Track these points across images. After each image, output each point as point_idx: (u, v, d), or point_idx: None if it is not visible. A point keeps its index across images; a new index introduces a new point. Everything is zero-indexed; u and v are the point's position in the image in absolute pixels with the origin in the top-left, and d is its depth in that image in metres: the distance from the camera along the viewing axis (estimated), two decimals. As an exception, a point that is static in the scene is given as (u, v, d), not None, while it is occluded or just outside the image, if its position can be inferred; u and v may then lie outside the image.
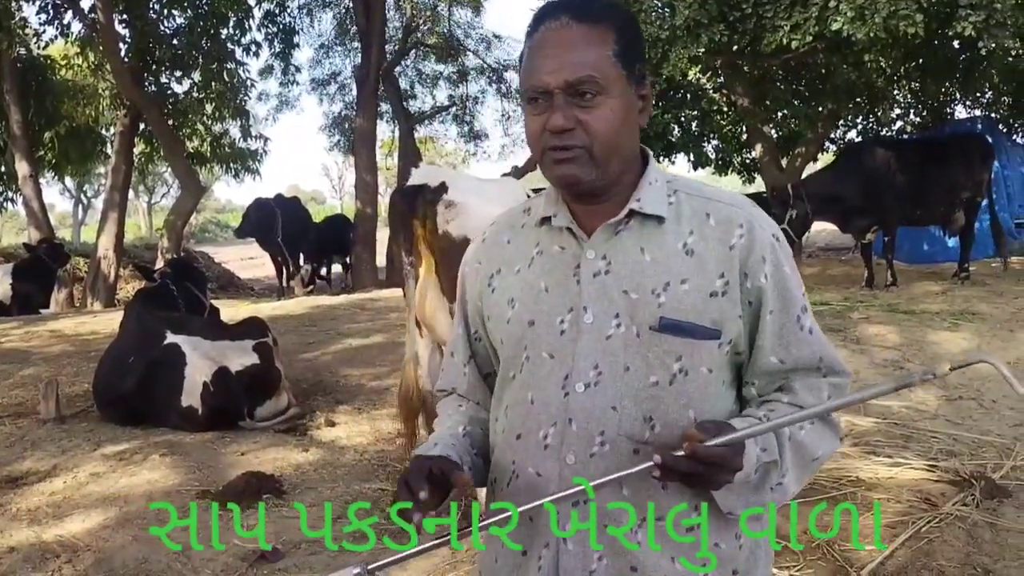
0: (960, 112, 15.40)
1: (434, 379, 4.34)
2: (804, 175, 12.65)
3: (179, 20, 14.21)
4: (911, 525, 3.79)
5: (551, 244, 1.50)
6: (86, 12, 13.39)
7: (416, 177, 4.19)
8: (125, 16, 13.37)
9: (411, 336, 4.26)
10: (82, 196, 42.68)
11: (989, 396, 5.82)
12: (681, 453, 1.24)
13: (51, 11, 13.53)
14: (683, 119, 14.57)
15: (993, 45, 8.04)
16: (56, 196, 55.73)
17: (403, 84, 21.93)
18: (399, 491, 1.37)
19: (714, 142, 16.07)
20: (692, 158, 15.75)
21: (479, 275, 1.59)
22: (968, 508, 3.97)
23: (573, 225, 1.46)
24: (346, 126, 22.30)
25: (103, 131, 16.18)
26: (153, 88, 14.00)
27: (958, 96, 14.99)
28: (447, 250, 3.89)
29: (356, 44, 19.62)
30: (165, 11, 13.90)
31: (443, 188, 3.95)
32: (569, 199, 1.47)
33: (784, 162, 14.12)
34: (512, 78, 22.29)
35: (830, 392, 1.43)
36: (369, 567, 1.34)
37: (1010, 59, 10.75)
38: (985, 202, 10.61)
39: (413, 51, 22.04)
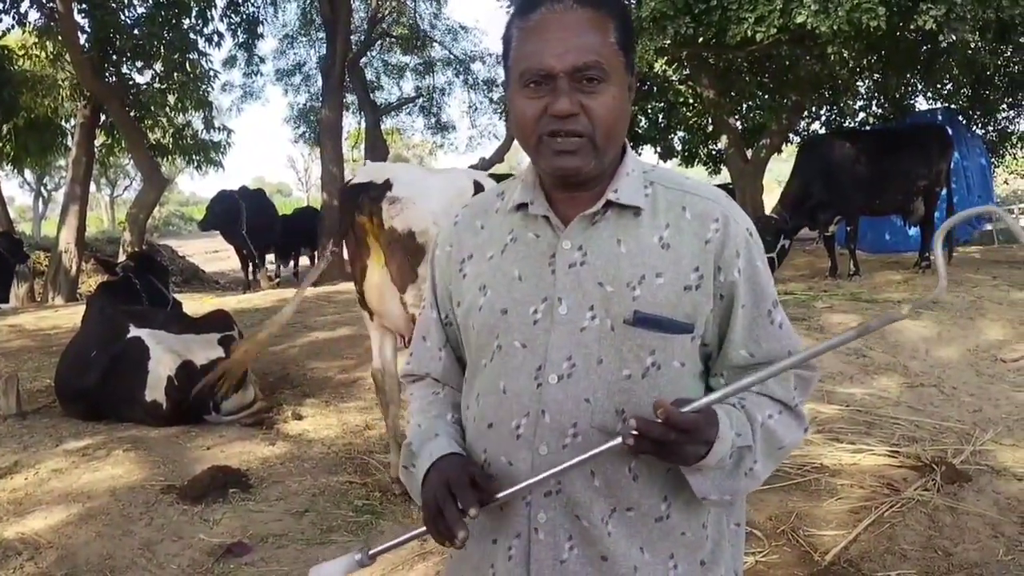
0: (921, 104, 15.61)
1: (384, 362, 4.48)
2: (768, 177, 12.72)
3: (140, 10, 13.96)
4: (874, 510, 3.86)
5: (526, 231, 1.48)
6: (44, 1, 13.12)
7: (361, 175, 4.35)
8: (84, 5, 13.12)
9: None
10: (42, 189, 41.91)
11: (949, 383, 5.93)
12: (655, 420, 1.24)
13: (8, 0, 13.26)
14: (649, 110, 14.65)
15: (953, 38, 8.17)
16: (15, 189, 54.76)
17: (369, 75, 21.81)
18: (444, 504, 1.33)
19: (680, 133, 16.17)
20: (658, 149, 15.83)
21: (450, 259, 1.57)
22: (929, 493, 4.04)
23: (550, 213, 1.45)
24: (311, 118, 22.15)
25: (63, 123, 15.91)
26: (114, 79, 13.75)
27: (919, 88, 15.19)
28: (394, 243, 4.04)
29: (321, 35, 19.46)
30: (125, 1, 13.67)
31: (387, 185, 4.07)
32: (551, 187, 1.46)
33: (749, 153, 14.23)
34: (479, 69, 22.26)
35: (797, 384, 1.44)
36: (370, 552, 1.35)
37: (969, 52, 10.91)
38: (944, 192, 10.77)
39: (379, 42, 21.92)
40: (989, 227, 15.30)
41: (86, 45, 13.01)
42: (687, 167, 17.12)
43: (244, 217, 13.91)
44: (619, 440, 1.26)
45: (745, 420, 1.37)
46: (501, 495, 1.34)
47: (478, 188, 4.21)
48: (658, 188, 1.44)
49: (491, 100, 21.45)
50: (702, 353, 1.44)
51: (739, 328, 1.41)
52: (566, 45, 1.33)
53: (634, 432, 1.23)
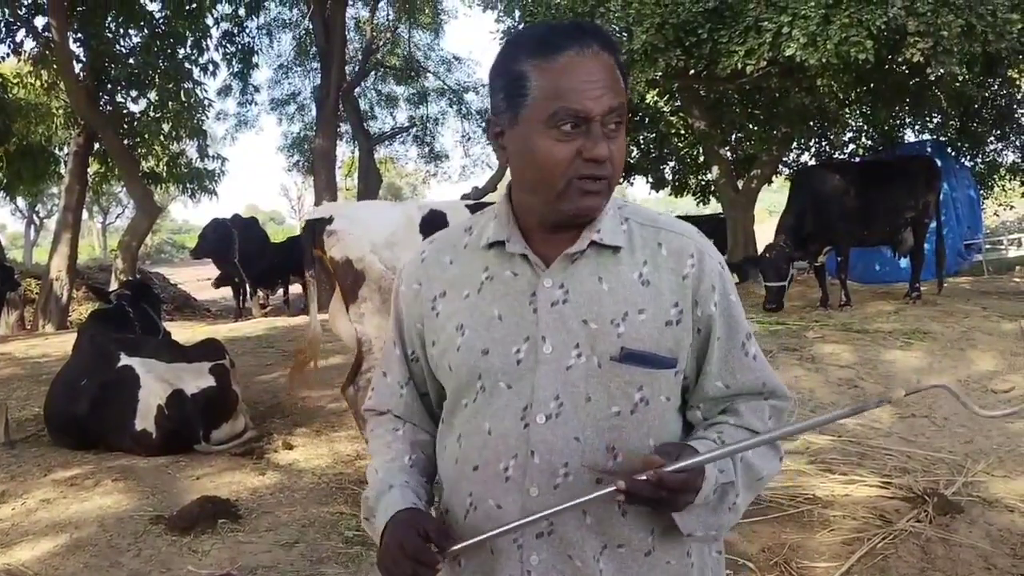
0: (910, 136, 15.77)
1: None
2: (759, 207, 12.80)
3: (135, 39, 14.03)
4: (866, 542, 3.84)
5: (502, 269, 1.46)
6: (40, 30, 13.19)
7: (315, 212, 5.10)
8: (80, 34, 13.20)
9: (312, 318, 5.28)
10: (34, 216, 41.85)
11: (941, 414, 5.93)
12: (644, 478, 1.25)
13: (3, 29, 13.32)
14: (641, 141, 14.77)
15: (941, 71, 8.27)
16: (8, 216, 54.75)
17: (363, 105, 21.96)
18: (400, 568, 1.36)
19: (672, 164, 16.29)
20: (650, 179, 15.95)
21: (419, 297, 1.54)
22: (922, 524, 4.03)
23: (528, 251, 1.43)
24: (305, 146, 22.25)
25: (56, 150, 15.92)
26: (108, 107, 13.81)
27: (908, 120, 15.36)
28: (336, 269, 4.62)
29: (316, 65, 19.60)
30: (121, 30, 13.72)
31: (329, 220, 4.65)
32: (536, 225, 1.44)
33: (740, 184, 14.34)
34: (472, 99, 22.41)
35: (771, 414, 1.48)
36: (451, 549, 1.35)
37: (957, 85, 11.05)
38: (934, 224, 10.84)
39: (373, 72, 22.09)
40: (979, 258, 15.39)
41: (81, 74, 13.07)
42: (677, 197, 17.26)
43: (236, 245, 13.90)
44: (612, 488, 1.28)
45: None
46: (457, 547, 1.35)
47: (433, 218, 4.66)
48: (633, 225, 1.46)
49: (484, 130, 21.57)
50: (681, 386, 1.47)
51: (715, 360, 1.45)
52: (601, 89, 1.33)
53: (623, 492, 1.26)
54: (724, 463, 1.36)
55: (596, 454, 1.38)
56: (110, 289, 8.33)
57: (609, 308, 1.39)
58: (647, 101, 13.28)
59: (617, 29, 9.76)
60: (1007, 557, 3.78)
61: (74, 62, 12.84)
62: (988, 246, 16.89)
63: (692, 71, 10.27)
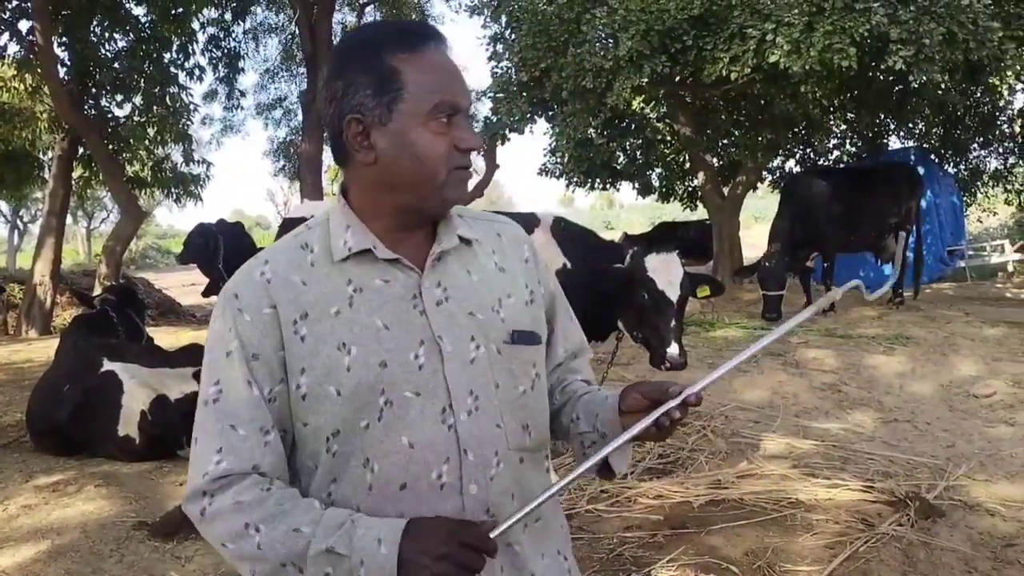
0: (894, 143, 15.88)
1: None
2: (745, 214, 12.86)
3: (120, 43, 13.96)
4: (849, 545, 3.86)
5: (369, 279, 1.39)
6: (24, 34, 13.11)
7: (294, 211, 4.66)
8: (65, 38, 13.12)
9: None
10: (18, 221, 41.58)
11: (923, 418, 5.98)
12: (680, 404, 1.36)
13: (-13, 33, 13.24)
14: (628, 148, 14.80)
15: (924, 79, 8.33)
16: (-10, 221, 54.22)
17: (350, 110, 21.90)
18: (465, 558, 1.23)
19: (658, 170, 16.34)
20: (636, 186, 16.00)
21: (272, 324, 1.36)
22: (904, 528, 4.06)
23: (399, 255, 1.40)
24: (291, 151, 22.21)
25: (40, 155, 15.82)
26: (93, 112, 13.72)
27: (891, 127, 15.47)
28: None
29: (302, 69, 19.57)
30: (106, 34, 13.65)
31: (310, 219, 4.38)
32: (393, 227, 1.42)
33: (725, 190, 14.41)
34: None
35: (587, 364, 1.72)
36: (492, 534, 1.27)
37: (940, 92, 11.14)
38: (920, 229, 10.94)
39: (360, 77, 22.04)
40: (962, 264, 15.51)
41: (66, 78, 12.99)
42: (664, 203, 17.29)
43: (221, 251, 13.82)
44: (644, 424, 1.36)
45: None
46: (499, 530, 1.29)
47: None
48: (469, 219, 1.54)
49: (331, 134, 21.56)
50: None
51: (559, 329, 1.63)
52: (464, 83, 1.40)
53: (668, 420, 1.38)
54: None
55: (515, 435, 1.44)
56: (94, 294, 8.27)
57: (486, 297, 1.46)
58: (633, 107, 13.31)
59: (603, 35, 9.79)
60: (988, 560, 3.81)
61: (59, 66, 12.76)
62: (971, 252, 17.01)
63: (677, 78, 10.31)
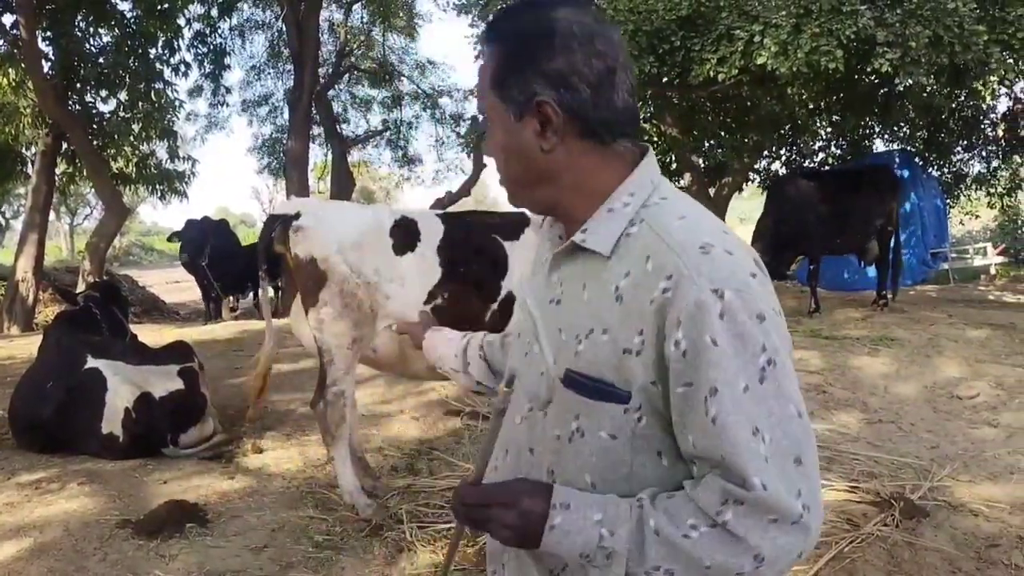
0: (879, 145, 15.97)
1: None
2: (731, 215, 12.89)
3: (106, 38, 13.88)
4: (834, 545, 3.88)
5: (545, 254, 1.46)
6: (7, 28, 13.00)
7: (280, 207, 4.78)
8: (49, 33, 13.02)
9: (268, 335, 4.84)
10: (0, 217, 41.23)
11: (908, 419, 6.01)
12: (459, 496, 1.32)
13: (-30, 27, 13.12)
14: (615, 147, 14.80)
15: (909, 81, 8.37)
16: (-28, 217, 53.74)
17: (336, 108, 21.88)
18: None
19: (644, 170, 16.33)
20: (623, 186, 15.97)
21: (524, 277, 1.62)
22: (888, 528, 4.08)
23: (555, 241, 1.44)
24: (277, 148, 22.12)
25: (23, 150, 15.69)
26: (77, 107, 13.63)
27: (877, 129, 15.55)
28: (298, 269, 4.36)
29: (289, 67, 19.50)
30: (91, 29, 13.56)
31: (296, 215, 4.41)
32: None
33: (712, 191, 14.44)
34: (447, 104, 22.40)
35: (724, 498, 1.17)
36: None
37: (925, 95, 11.20)
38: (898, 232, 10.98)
39: (347, 75, 22.00)
40: (945, 266, 15.61)
41: (50, 73, 12.89)
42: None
43: (208, 248, 13.79)
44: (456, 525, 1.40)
45: (628, 518, 1.22)
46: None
47: (404, 224, 4.52)
48: (643, 228, 1.27)
49: (458, 135, 21.54)
50: (663, 429, 1.25)
51: (677, 411, 1.20)
52: (478, 87, 1.39)
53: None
54: (614, 525, 1.21)
55: (539, 472, 1.36)
56: (77, 291, 8.20)
57: (580, 320, 1.28)
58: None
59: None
60: (972, 560, 3.83)
61: (43, 61, 12.66)
62: (954, 255, 17.15)
63: (665, 78, 10.32)
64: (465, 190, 19.20)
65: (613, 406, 1.24)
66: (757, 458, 1.15)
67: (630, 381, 1.22)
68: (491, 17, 1.37)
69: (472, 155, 18.74)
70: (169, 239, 14.57)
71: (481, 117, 1.38)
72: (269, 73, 22.21)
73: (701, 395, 1.15)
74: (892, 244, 10.71)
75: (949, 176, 16.07)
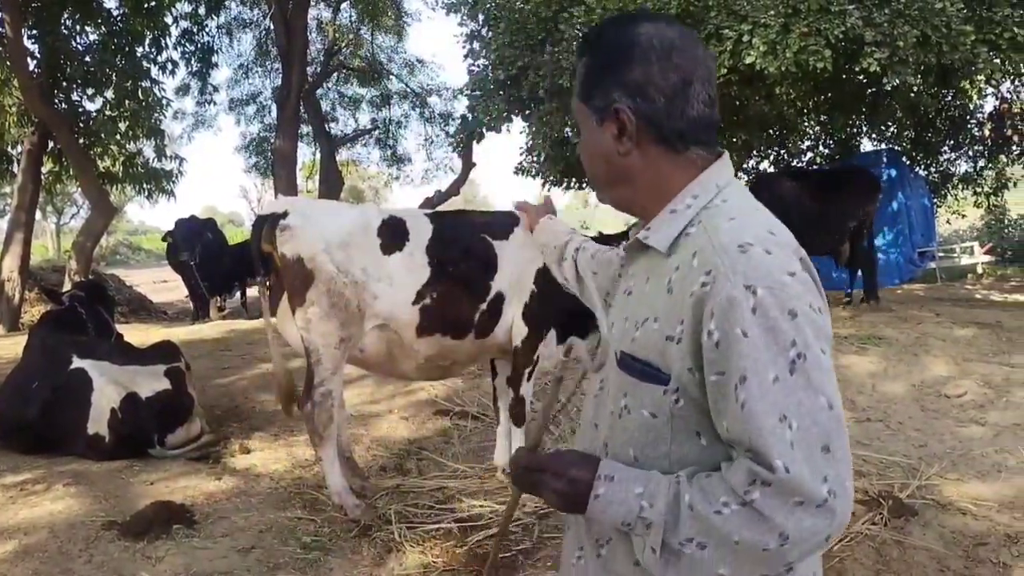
0: (866, 144, 16.01)
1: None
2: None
3: (92, 36, 13.78)
4: (823, 544, 3.88)
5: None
6: (-8, 26, 12.91)
7: (268, 207, 4.73)
8: (35, 31, 12.92)
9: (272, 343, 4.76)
10: (-15, 216, 40.95)
11: (895, 418, 6.03)
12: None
13: (-46, 24, 13.01)
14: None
15: (897, 81, 8.39)
16: (-43, 216, 53.35)
17: (325, 106, 21.83)
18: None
19: (633, 170, 16.34)
20: (612, 185, 15.98)
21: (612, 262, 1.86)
22: (877, 527, 4.09)
23: (627, 245, 1.58)
24: (265, 147, 22.04)
25: (9, 149, 15.59)
26: (63, 105, 13.53)
27: (864, 129, 15.60)
28: (285, 269, 4.34)
29: (277, 65, 19.43)
30: (77, 26, 13.47)
31: (284, 215, 4.39)
32: None
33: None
34: (436, 103, 22.37)
35: (751, 479, 1.24)
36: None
37: (912, 95, 11.24)
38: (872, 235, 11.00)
39: (335, 73, 21.94)
40: (932, 265, 15.68)
41: (35, 71, 12.80)
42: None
43: (199, 247, 13.75)
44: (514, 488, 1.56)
45: (665, 493, 1.31)
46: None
47: (392, 223, 4.51)
48: (699, 229, 1.38)
49: (447, 134, 21.52)
50: (701, 411, 1.34)
51: (711, 398, 1.30)
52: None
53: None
54: (653, 497, 1.31)
55: (598, 445, 1.50)
56: (63, 290, 8.15)
57: (640, 310, 1.43)
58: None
59: (580, 34, 9.77)
60: (960, 559, 3.84)
61: (28, 58, 12.57)
62: (941, 254, 17.21)
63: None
64: (454, 189, 19.18)
65: (654, 387, 1.37)
66: (782, 443, 1.22)
67: (670, 366, 1.34)
68: (586, 32, 1.54)
69: (461, 154, 18.73)
70: (163, 239, 14.52)
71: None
72: (257, 71, 22.17)
73: (732, 383, 1.25)
74: (865, 246, 10.74)
75: (936, 175, 16.13)
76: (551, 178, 13.73)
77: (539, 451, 1.49)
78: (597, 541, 1.48)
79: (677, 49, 1.41)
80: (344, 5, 20.91)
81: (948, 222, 18.87)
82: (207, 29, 17.11)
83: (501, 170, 26.80)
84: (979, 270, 19.52)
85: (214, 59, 17.32)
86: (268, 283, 4.59)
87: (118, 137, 13.82)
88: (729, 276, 1.25)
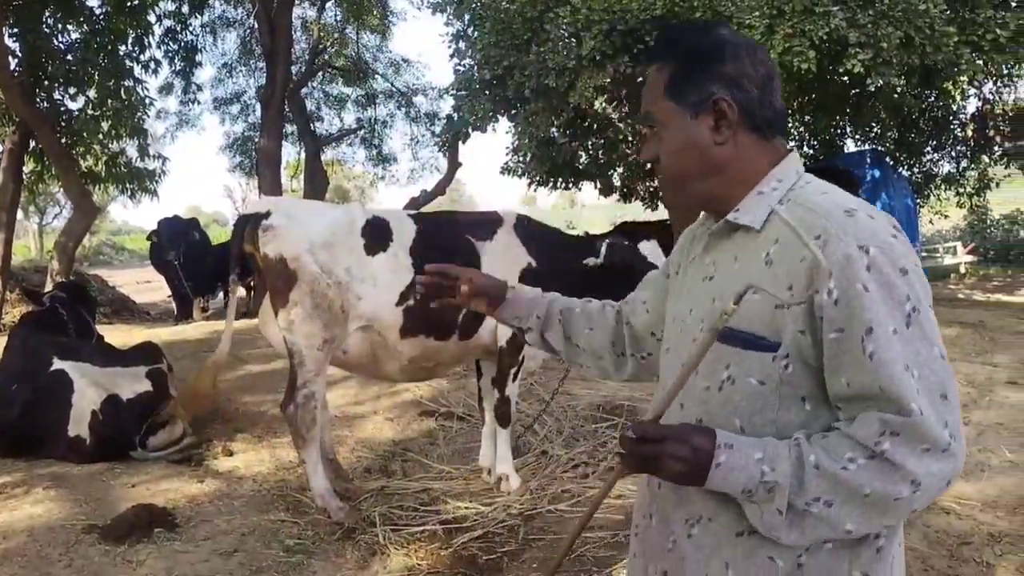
0: (850, 145, 16.07)
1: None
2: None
3: (74, 35, 13.64)
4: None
5: (700, 245, 1.64)
6: (-27, 24, 12.78)
7: (251, 206, 4.72)
8: (16, 29, 12.80)
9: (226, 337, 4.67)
10: (-34, 216, 40.54)
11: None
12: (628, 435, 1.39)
13: (-66, 22, 12.87)
14: (590, 147, 14.81)
15: (880, 82, 8.42)
16: (-62, 215, 52.75)
17: (310, 106, 21.72)
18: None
19: (619, 170, 16.38)
20: (598, 185, 16.04)
21: (669, 263, 1.80)
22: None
23: (712, 231, 1.59)
24: (249, 146, 21.92)
25: (-10, 148, 15.46)
26: (45, 104, 13.40)
27: (848, 130, 15.66)
28: (267, 269, 4.30)
29: (261, 64, 19.34)
30: (59, 25, 13.34)
31: (266, 214, 4.35)
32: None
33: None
34: (421, 102, 22.31)
35: (881, 429, 1.29)
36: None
37: (896, 96, 11.29)
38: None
39: (320, 73, 21.85)
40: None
41: (17, 70, 12.68)
42: (626, 203, 17.35)
43: (183, 247, 13.68)
44: (616, 466, 1.45)
45: (787, 455, 1.34)
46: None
47: (376, 223, 4.49)
48: (790, 205, 1.45)
49: (433, 133, 21.45)
50: (811, 379, 1.39)
51: (831, 355, 1.34)
52: (645, 95, 1.59)
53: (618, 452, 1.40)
54: (775, 461, 1.33)
55: (688, 423, 1.47)
56: (45, 291, 8.07)
57: (734, 286, 1.43)
58: (596, 107, 13.32)
59: (566, 34, 9.77)
60: (944, 558, 3.85)
61: (9, 57, 12.45)
62: (924, 254, 17.32)
63: (640, 78, 10.32)
64: (440, 189, 19.13)
65: (763, 355, 1.39)
66: (911, 388, 1.29)
67: (780, 332, 1.37)
68: (653, 43, 1.61)
69: (447, 154, 18.69)
70: (148, 238, 14.44)
71: (645, 129, 1.59)
72: (241, 71, 22.04)
73: (857, 336, 1.30)
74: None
75: (919, 176, 16.21)
76: (537, 178, 13.72)
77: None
78: (687, 521, 1.52)
79: (756, 48, 1.54)
80: (329, 4, 20.81)
81: (931, 222, 18.98)
82: (191, 28, 16.97)
83: (487, 170, 26.79)
84: (962, 270, 19.66)
85: (198, 58, 17.19)
86: (241, 283, 4.57)
87: (100, 136, 13.69)
88: (841, 236, 1.32)
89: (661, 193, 1.70)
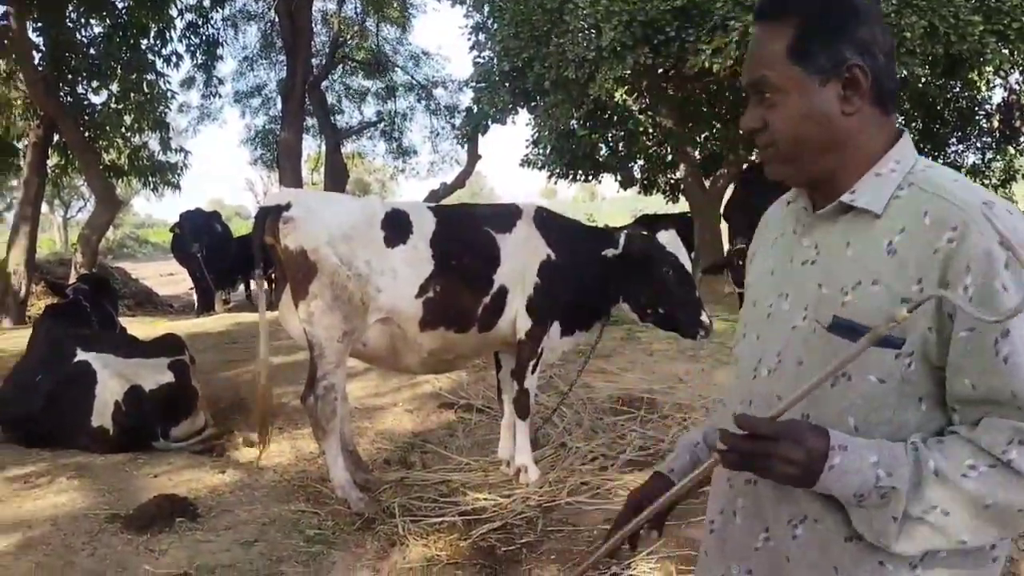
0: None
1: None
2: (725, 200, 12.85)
3: (97, 29, 13.74)
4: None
5: (790, 227, 1.54)
6: (-3, 19, 12.90)
7: (270, 198, 4.70)
8: (39, 23, 12.91)
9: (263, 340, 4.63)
10: (-8, 209, 41.03)
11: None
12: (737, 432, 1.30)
13: (-41, 18, 13.00)
14: (610, 139, 14.76)
15: (904, 72, 8.34)
16: (-36, 209, 53.51)
17: (330, 99, 21.78)
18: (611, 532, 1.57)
19: (640, 162, 16.31)
20: (618, 177, 15.98)
21: (751, 258, 1.68)
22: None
23: (810, 208, 1.48)
24: (270, 140, 22.02)
25: (15, 142, 15.60)
26: (69, 98, 13.52)
27: (871, 121, 15.51)
28: (288, 261, 4.30)
29: (282, 57, 19.41)
30: (82, 20, 13.44)
31: (287, 206, 4.33)
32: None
33: (707, 183, 14.41)
34: (441, 95, 22.31)
35: (1011, 437, 1.22)
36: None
37: (920, 86, 11.18)
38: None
39: (340, 66, 21.90)
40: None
41: (40, 64, 12.79)
42: (646, 195, 17.27)
43: (205, 240, 13.79)
44: (714, 457, 1.33)
45: (904, 460, 1.26)
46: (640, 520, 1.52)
47: (396, 216, 4.48)
48: (914, 190, 1.34)
49: (453, 126, 21.47)
50: (932, 378, 1.31)
51: (958, 353, 1.26)
52: (748, 61, 1.43)
53: (720, 447, 1.30)
54: (892, 466, 1.25)
55: (797, 419, 1.36)
56: (68, 283, 8.15)
57: (845, 274, 1.36)
58: (616, 99, 13.28)
59: (586, 26, 9.74)
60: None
61: (33, 51, 12.57)
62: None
63: (660, 69, 10.28)
64: (460, 182, 19.16)
65: (885, 351, 1.29)
66: None
67: (905, 328, 1.26)
68: None
69: (467, 146, 18.69)
70: (171, 230, 14.55)
71: (755, 93, 1.42)
72: (262, 64, 22.14)
73: (990, 337, 1.22)
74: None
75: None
76: (557, 170, 13.70)
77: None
78: (790, 521, 1.42)
79: (881, 15, 1.41)
80: (349, -4, 20.87)
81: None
82: (212, 21, 17.10)
83: (507, 162, 26.80)
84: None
85: (219, 52, 17.31)
86: (265, 277, 4.55)
87: (123, 130, 13.83)
88: (982, 231, 1.23)
89: (765, 166, 1.44)
